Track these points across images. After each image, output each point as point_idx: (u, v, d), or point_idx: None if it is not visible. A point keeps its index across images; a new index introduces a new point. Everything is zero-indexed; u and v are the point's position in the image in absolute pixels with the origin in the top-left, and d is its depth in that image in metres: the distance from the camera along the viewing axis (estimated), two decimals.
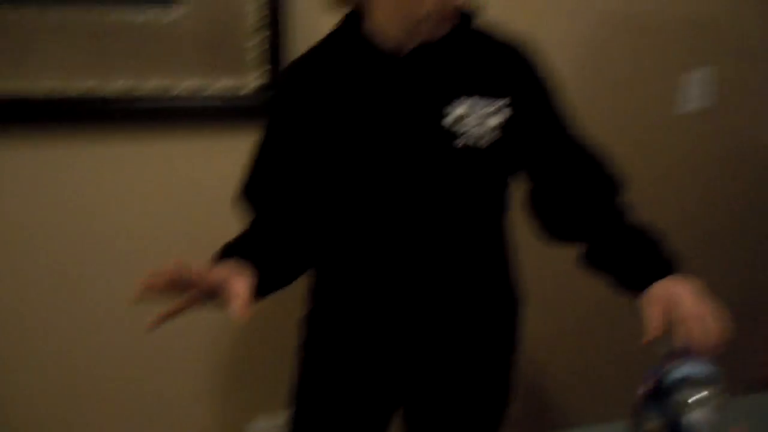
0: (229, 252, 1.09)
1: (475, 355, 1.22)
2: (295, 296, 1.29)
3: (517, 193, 1.22)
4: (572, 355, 2.10)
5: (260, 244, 1.13)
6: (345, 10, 1.15)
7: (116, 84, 1.49)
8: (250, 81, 1.58)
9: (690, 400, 0.89)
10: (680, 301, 0.98)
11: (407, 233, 1.12)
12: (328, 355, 1.25)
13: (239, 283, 0.94)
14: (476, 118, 1.08)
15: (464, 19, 1.11)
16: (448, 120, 1.07)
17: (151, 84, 1.51)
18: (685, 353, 0.95)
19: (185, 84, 1.53)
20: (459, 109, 1.08)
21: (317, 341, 1.26)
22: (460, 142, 1.07)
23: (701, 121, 2.00)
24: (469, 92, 1.08)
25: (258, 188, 1.19)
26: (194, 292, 0.94)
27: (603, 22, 1.84)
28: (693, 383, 0.91)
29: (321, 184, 1.14)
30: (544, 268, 1.67)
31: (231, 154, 1.42)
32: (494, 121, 1.08)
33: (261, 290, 1.03)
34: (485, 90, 1.09)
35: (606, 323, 2.05)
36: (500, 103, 1.09)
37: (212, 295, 0.95)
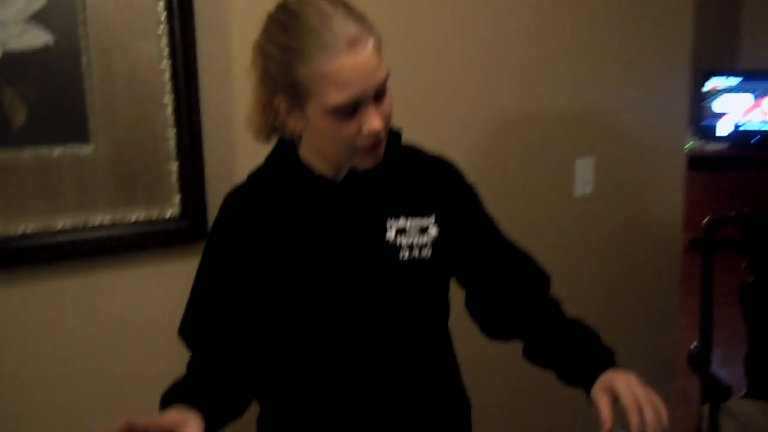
0: (175, 395, 1.08)
1: None
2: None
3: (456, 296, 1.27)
4: None
5: (202, 385, 1.12)
6: (273, 139, 1.18)
7: (28, 223, 1.44)
8: (170, 209, 1.57)
9: None
10: (627, 390, 1.05)
11: (356, 353, 1.14)
12: None
13: (189, 430, 0.94)
14: (414, 232, 1.13)
15: (393, 137, 1.18)
16: (391, 238, 1.12)
17: (67, 218, 1.47)
18: None
19: (102, 216, 1.50)
20: (397, 226, 1.13)
21: None
22: (402, 257, 1.12)
23: (594, 204, 2.17)
24: (405, 209, 1.14)
25: (196, 327, 1.18)
26: None
27: (497, 117, 1.98)
28: None
29: (264, 314, 1.15)
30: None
31: (154, 283, 1.40)
32: (430, 233, 1.14)
33: (210, 429, 1.03)
34: (419, 206, 1.15)
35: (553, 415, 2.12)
36: (433, 217, 1.15)
37: None
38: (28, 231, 1.45)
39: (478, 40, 1.93)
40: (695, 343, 2.31)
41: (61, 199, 1.47)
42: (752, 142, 5.53)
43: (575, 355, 1.14)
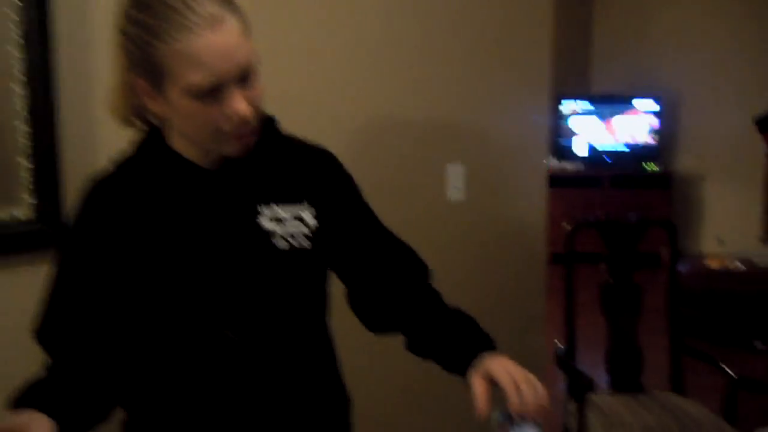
0: (28, 397, 0.99)
1: None
2: None
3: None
4: None
5: (60, 389, 1.03)
6: (140, 127, 1.12)
7: None
8: (21, 209, 1.44)
9: None
10: (504, 372, 1.05)
11: (228, 346, 1.08)
12: None
13: None
14: (290, 221, 1.10)
15: (268, 124, 1.14)
16: (265, 226, 1.08)
17: None
18: (518, 419, 1.03)
19: None
20: (271, 214, 1.09)
21: None
22: (280, 246, 1.08)
23: (465, 209, 2.22)
24: (278, 196, 1.11)
25: (55, 328, 1.08)
26: None
27: (370, 119, 1.99)
28: None
29: (131, 309, 1.07)
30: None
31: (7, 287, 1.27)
32: (308, 223, 1.11)
33: None
34: (292, 193, 1.12)
35: (432, 411, 2.11)
36: (306, 204, 1.12)
37: None
38: None
39: (352, 42, 1.94)
40: (560, 343, 2.41)
41: None
42: (605, 161, 5.91)
43: (453, 342, 1.14)
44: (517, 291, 2.41)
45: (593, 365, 2.29)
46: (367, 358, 1.85)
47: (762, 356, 3.27)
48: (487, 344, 1.13)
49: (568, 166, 5.91)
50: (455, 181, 2.20)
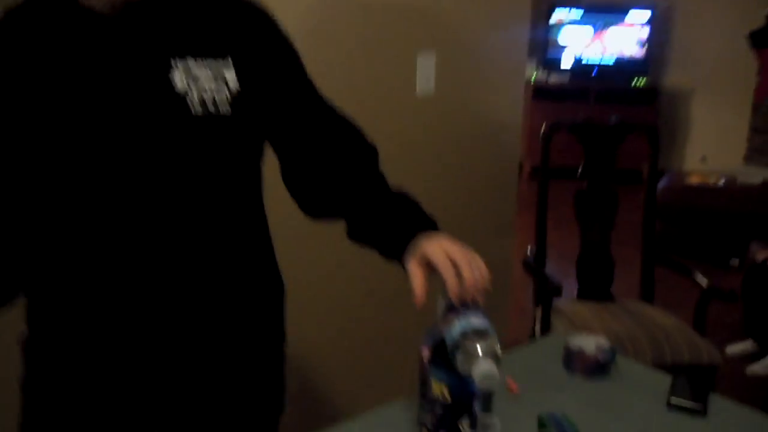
0: None
1: (241, 357, 1.08)
2: None
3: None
4: (341, 345, 2.04)
5: None
6: None
7: None
8: None
9: (473, 354, 0.86)
10: (440, 253, 0.92)
11: (144, 222, 0.94)
12: (57, 390, 1.03)
13: None
14: (207, 80, 0.94)
15: None
16: (177, 85, 0.93)
17: None
18: (460, 307, 0.93)
19: None
20: (185, 69, 0.93)
21: (42, 375, 1.03)
22: (193, 111, 0.93)
23: (436, 103, 2.08)
24: (195, 48, 0.95)
25: None
26: None
27: (322, 3, 1.82)
28: (473, 336, 0.87)
29: (28, 180, 0.93)
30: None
31: None
32: (229, 83, 0.96)
33: None
34: (213, 46, 0.96)
35: (371, 304, 2.03)
36: (230, 60, 0.97)
37: None
38: None
39: None
40: (531, 248, 2.33)
41: None
42: (592, 75, 5.74)
43: (389, 225, 1.00)
44: (488, 195, 2.30)
45: (564, 276, 2.21)
46: (302, 245, 1.75)
47: (737, 274, 3.23)
48: (425, 225, 0.99)
49: (554, 78, 5.73)
50: (426, 71, 2.04)
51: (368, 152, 1.10)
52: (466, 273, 0.89)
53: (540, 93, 5.62)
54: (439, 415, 0.92)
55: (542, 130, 2.32)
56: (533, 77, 5.61)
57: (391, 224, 1.00)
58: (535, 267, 2.24)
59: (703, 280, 2.15)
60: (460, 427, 0.84)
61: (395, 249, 0.98)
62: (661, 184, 4.05)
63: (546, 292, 2.10)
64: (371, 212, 1.04)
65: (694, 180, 4.26)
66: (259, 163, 1.05)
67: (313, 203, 1.10)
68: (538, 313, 2.16)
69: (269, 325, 1.11)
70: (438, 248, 0.92)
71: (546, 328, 2.09)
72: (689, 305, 2.21)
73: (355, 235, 1.06)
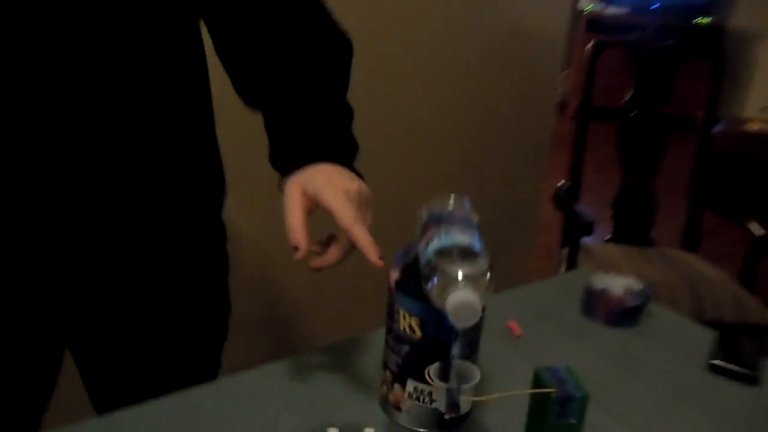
0: None
1: (173, 261, 0.87)
2: None
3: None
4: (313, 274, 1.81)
5: None
6: None
7: None
8: None
9: (449, 278, 0.63)
10: (339, 203, 0.71)
11: (60, 71, 0.73)
12: None
13: None
14: None
15: None
16: None
17: None
18: (446, 219, 0.70)
19: None
20: None
21: None
22: None
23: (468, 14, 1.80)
24: None
25: None
26: None
27: None
28: (453, 255, 0.65)
29: None
30: None
31: None
32: None
33: None
34: None
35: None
36: None
37: None
38: None
39: None
40: (563, 181, 2.07)
41: None
42: (651, 9, 5.32)
43: (289, 134, 0.79)
44: (520, 128, 2.03)
45: (598, 220, 1.93)
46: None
47: None
48: (341, 152, 0.77)
49: (611, 11, 5.32)
50: None
51: (327, 42, 0.84)
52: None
53: (594, 25, 5.25)
54: (406, 356, 0.70)
55: (587, 48, 2.03)
56: (589, 7, 5.22)
57: (294, 133, 0.77)
58: (565, 200, 1.99)
59: (757, 229, 1.88)
60: (426, 376, 0.62)
61: (283, 161, 0.77)
62: (717, 129, 3.70)
63: (575, 229, 1.85)
64: (286, 112, 0.80)
65: (753, 127, 3.90)
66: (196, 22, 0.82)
67: (244, 85, 0.86)
68: (565, 252, 1.92)
69: (206, 220, 0.90)
70: (332, 187, 0.72)
71: (571, 269, 1.85)
72: (738, 259, 1.95)
73: (267, 129, 0.83)
